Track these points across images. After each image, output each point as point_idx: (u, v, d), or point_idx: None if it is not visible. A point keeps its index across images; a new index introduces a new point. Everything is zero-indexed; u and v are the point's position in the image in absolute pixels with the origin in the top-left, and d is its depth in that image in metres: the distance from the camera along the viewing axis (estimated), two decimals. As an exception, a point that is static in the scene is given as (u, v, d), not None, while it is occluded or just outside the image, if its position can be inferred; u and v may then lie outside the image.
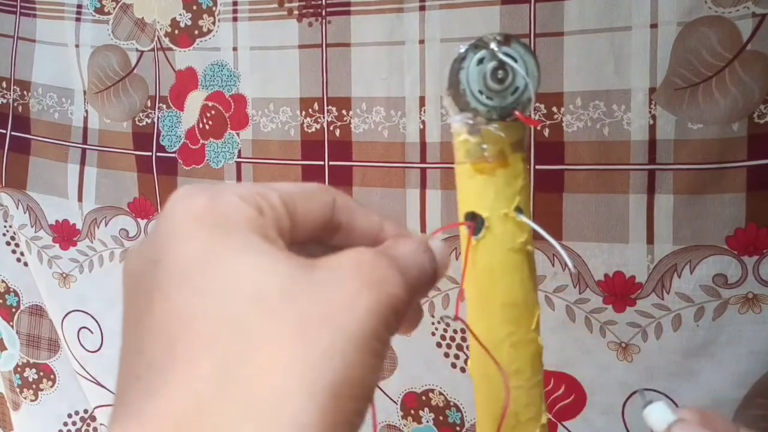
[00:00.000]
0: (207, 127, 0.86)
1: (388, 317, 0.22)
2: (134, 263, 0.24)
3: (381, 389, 0.83)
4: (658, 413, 0.37)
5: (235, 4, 0.82)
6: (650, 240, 0.68)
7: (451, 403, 0.80)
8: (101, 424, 1.02)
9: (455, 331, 0.77)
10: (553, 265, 0.71)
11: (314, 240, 0.27)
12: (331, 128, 0.79)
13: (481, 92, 0.30)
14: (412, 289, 0.24)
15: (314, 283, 0.22)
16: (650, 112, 0.67)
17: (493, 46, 0.30)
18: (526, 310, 0.33)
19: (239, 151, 0.84)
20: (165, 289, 0.22)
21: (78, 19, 0.91)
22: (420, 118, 0.75)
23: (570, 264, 0.36)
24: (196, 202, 0.23)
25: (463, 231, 0.32)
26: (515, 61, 0.30)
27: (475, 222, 0.32)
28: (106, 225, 0.94)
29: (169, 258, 0.22)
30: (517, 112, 0.30)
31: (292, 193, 0.26)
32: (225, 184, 0.26)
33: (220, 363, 0.20)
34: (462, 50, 0.31)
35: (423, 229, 0.76)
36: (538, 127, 0.70)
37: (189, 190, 0.25)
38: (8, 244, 1.04)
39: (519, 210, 0.31)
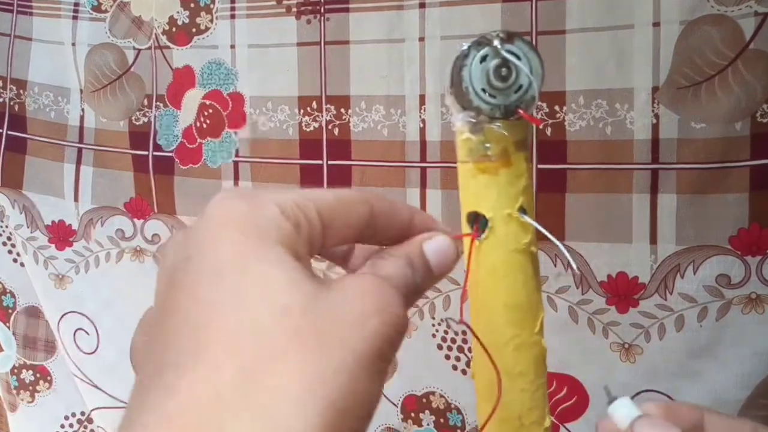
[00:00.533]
0: (204, 126, 0.85)
1: (393, 337, 0.23)
2: (169, 258, 0.25)
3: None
4: (622, 410, 0.36)
5: (233, 1, 0.81)
6: (653, 240, 0.67)
7: (452, 406, 0.79)
8: (98, 427, 1.01)
9: (456, 333, 0.77)
10: (555, 266, 0.71)
11: (351, 242, 0.30)
12: (330, 127, 0.79)
13: (484, 90, 0.30)
14: (409, 305, 0.26)
15: (330, 304, 0.23)
16: (653, 111, 0.66)
17: (496, 43, 0.29)
18: (529, 312, 0.32)
19: (237, 150, 0.84)
20: (194, 287, 0.23)
21: (75, 17, 0.90)
22: (420, 116, 0.74)
23: (574, 265, 0.36)
24: (238, 207, 0.25)
25: (466, 232, 0.32)
26: (519, 58, 0.30)
27: (478, 222, 0.31)
28: (102, 225, 0.93)
29: (202, 257, 0.24)
30: (521, 111, 0.30)
31: (330, 206, 0.27)
32: (267, 192, 0.26)
33: (242, 370, 0.21)
34: (465, 48, 0.30)
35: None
36: (540, 126, 0.70)
37: (232, 193, 0.25)
38: (4, 244, 1.03)
39: (523, 210, 0.31)
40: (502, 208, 0.31)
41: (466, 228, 0.32)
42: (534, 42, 0.69)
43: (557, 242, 0.32)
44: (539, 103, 0.69)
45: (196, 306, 0.23)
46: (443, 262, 0.29)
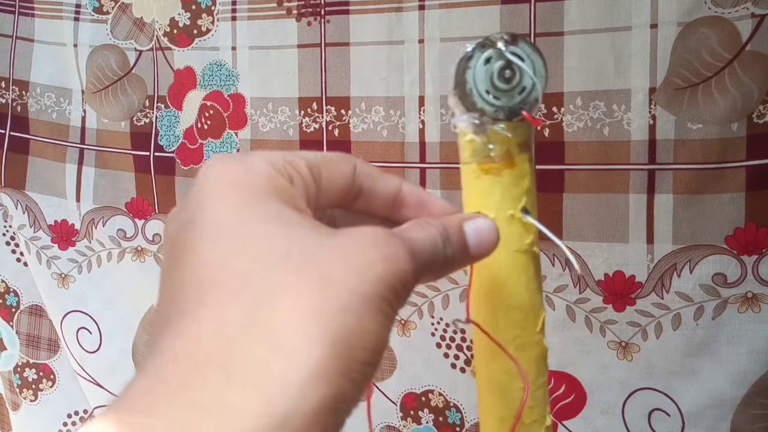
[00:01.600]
0: (205, 126, 0.86)
1: (396, 287, 0.24)
2: (172, 225, 0.26)
3: (380, 390, 0.83)
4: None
5: (234, 3, 0.82)
6: (650, 239, 0.68)
7: (451, 404, 0.80)
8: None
9: (455, 332, 0.77)
10: (553, 265, 0.71)
11: (337, 205, 0.30)
12: (330, 128, 0.79)
13: (488, 92, 0.30)
14: (420, 267, 0.26)
15: (336, 249, 0.24)
16: (650, 112, 0.67)
17: (500, 45, 0.30)
18: (531, 312, 0.32)
19: (238, 151, 0.84)
20: (196, 246, 0.24)
21: (77, 19, 0.90)
22: (419, 117, 0.75)
23: (577, 267, 0.37)
24: (231, 168, 0.25)
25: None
26: (522, 60, 0.30)
27: None
28: (103, 225, 0.94)
29: (202, 219, 0.24)
30: (524, 113, 0.30)
31: (317, 162, 0.28)
32: (257, 152, 0.27)
33: (247, 308, 0.22)
34: (469, 49, 0.31)
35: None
36: (539, 128, 0.70)
37: (224, 157, 0.26)
38: (8, 244, 1.03)
39: (525, 211, 0.31)
40: (505, 208, 0.31)
41: None
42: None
43: (561, 243, 0.32)
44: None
45: (200, 264, 0.23)
46: (483, 243, 0.29)
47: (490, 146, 0.31)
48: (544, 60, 0.30)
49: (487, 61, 0.30)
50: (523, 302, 0.32)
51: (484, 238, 0.29)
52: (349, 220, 0.32)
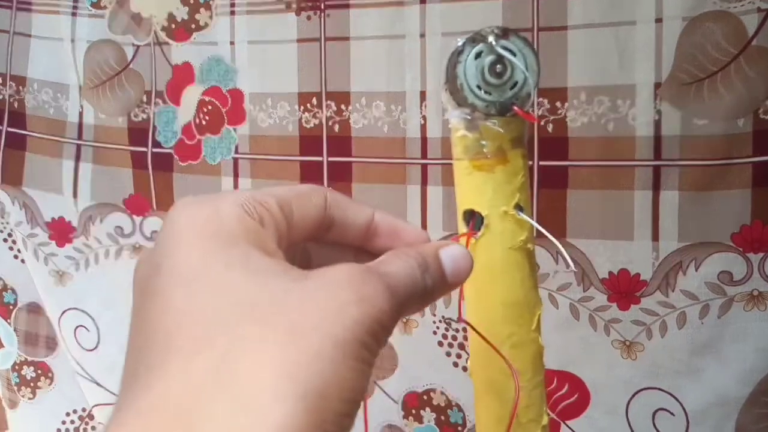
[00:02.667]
0: (204, 122, 0.85)
1: (375, 328, 0.23)
2: (140, 270, 0.25)
3: (381, 389, 0.83)
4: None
5: (232, -3, 0.81)
6: (655, 237, 0.67)
7: (453, 403, 0.79)
8: (99, 423, 1.01)
9: (456, 331, 0.77)
10: (556, 263, 0.70)
11: (310, 238, 0.29)
12: (330, 123, 0.78)
13: (479, 87, 0.29)
14: (400, 304, 0.25)
15: (306, 293, 0.23)
16: (655, 107, 0.66)
17: (491, 39, 0.29)
18: (527, 309, 0.32)
19: (236, 147, 0.83)
20: (164, 293, 0.23)
21: (74, 14, 0.90)
22: (421, 113, 0.74)
23: (571, 265, 0.36)
24: (200, 212, 0.25)
25: (462, 230, 0.32)
26: (514, 54, 0.30)
27: (474, 220, 0.31)
28: (101, 222, 0.93)
29: (170, 264, 0.24)
30: (515, 107, 0.30)
31: (288, 197, 0.28)
32: (227, 194, 0.26)
33: (212, 362, 0.21)
34: (459, 44, 0.30)
35: (424, 226, 0.75)
36: (542, 123, 0.69)
37: (192, 200, 0.26)
38: (5, 241, 1.03)
39: (519, 207, 0.31)
40: (498, 205, 0.31)
41: (462, 226, 0.32)
42: (535, 38, 0.68)
43: (554, 240, 0.33)
44: (540, 99, 0.69)
45: (167, 312, 0.23)
46: (459, 271, 0.29)
47: (483, 142, 0.30)
48: (536, 54, 0.30)
49: (478, 55, 0.29)
50: (518, 299, 0.32)
51: (460, 266, 0.28)
52: (324, 252, 0.31)
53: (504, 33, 0.29)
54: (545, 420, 0.34)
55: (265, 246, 0.25)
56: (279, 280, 0.23)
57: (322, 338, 0.22)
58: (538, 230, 0.32)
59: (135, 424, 0.20)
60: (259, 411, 0.20)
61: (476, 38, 0.29)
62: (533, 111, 0.70)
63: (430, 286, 0.27)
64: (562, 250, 0.32)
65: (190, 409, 0.20)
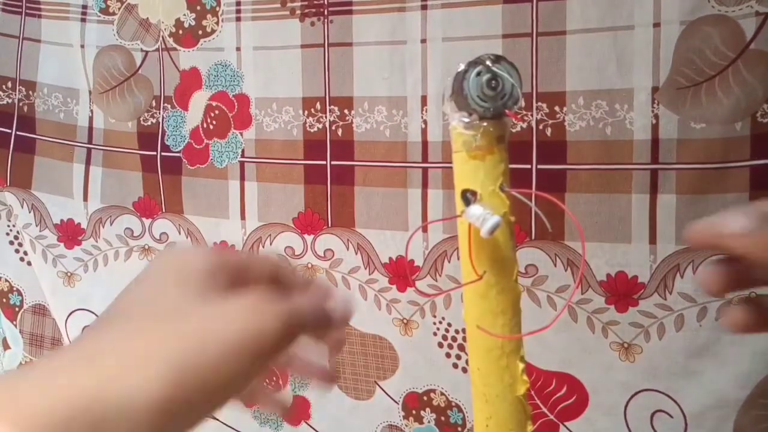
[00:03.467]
0: (211, 126, 0.86)
1: (257, 338, 0.31)
2: (119, 298, 0.34)
3: (382, 389, 0.83)
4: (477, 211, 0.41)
5: (238, 4, 0.82)
6: (653, 240, 0.67)
7: (453, 404, 0.80)
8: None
9: (456, 331, 0.77)
10: (555, 266, 0.71)
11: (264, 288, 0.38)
12: (333, 128, 0.79)
13: (479, 97, 0.39)
14: (293, 323, 0.33)
15: (206, 309, 0.31)
16: (653, 111, 0.66)
17: (488, 62, 0.39)
18: (509, 264, 0.41)
19: (242, 151, 0.85)
20: (122, 294, 0.34)
21: (83, 20, 0.91)
22: (422, 117, 0.75)
23: (549, 227, 0.41)
24: (174, 257, 0.35)
25: (459, 206, 0.40)
26: (505, 73, 0.39)
27: (470, 196, 0.40)
28: (111, 224, 0.95)
29: (137, 278, 0.34)
30: (507, 111, 0.40)
31: (246, 258, 0.38)
32: (199, 248, 0.41)
33: (118, 335, 0.30)
34: (463, 66, 0.39)
35: (424, 229, 0.76)
36: (540, 127, 0.70)
37: (174, 250, 0.36)
38: (11, 243, 1.04)
39: (502, 187, 0.40)
40: (487, 185, 0.40)
41: (459, 203, 0.41)
42: (535, 43, 0.69)
43: (531, 204, 0.44)
44: (539, 104, 0.70)
45: (114, 308, 0.32)
46: (348, 312, 0.39)
47: (477, 138, 0.40)
48: (519, 74, 0.39)
49: (478, 74, 0.39)
50: (502, 256, 0.41)
51: (345, 311, 0.38)
52: None
53: (497, 58, 0.39)
54: (523, 351, 0.42)
55: (209, 283, 0.33)
56: (196, 301, 0.32)
57: (199, 337, 0.29)
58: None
59: (54, 358, 0.29)
60: (129, 368, 0.27)
61: (477, 62, 0.39)
62: (530, 115, 0.70)
63: (323, 320, 0.36)
64: (539, 211, 0.41)
65: (93, 356, 0.28)
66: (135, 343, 0.29)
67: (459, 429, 0.80)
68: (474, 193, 0.41)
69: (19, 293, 1.05)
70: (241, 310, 0.32)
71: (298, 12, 0.79)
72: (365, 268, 0.80)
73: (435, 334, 0.78)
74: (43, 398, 0.26)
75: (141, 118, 0.91)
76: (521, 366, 0.43)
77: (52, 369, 0.28)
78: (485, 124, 0.40)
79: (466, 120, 0.40)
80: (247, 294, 0.33)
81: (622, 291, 0.69)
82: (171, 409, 0.27)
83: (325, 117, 0.80)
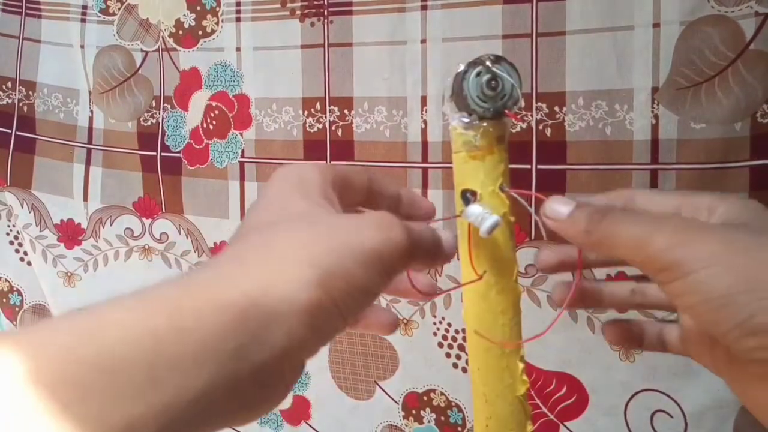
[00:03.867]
0: (211, 127, 0.86)
1: (389, 249, 0.32)
2: (291, 180, 0.36)
3: (382, 389, 0.83)
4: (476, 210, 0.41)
5: (238, 4, 0.82)
6: (652, 240, 0.67)
7: (453, 404, 0.80)
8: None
9: (456, 331, 0.77)
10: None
11: (358, 203, 0.40)
12: (333, 128, 0.79)
13: (479, 97, 0.40)
14: (413, 245, 0.33)
15: (342, 219, 0.33)
16: (653, 111, 0.66)
17: (488, 63, 0.39)
18: (508, 264, 0.41)
19: (242, 151, 0.85)
20: (255, 210, 0.35)
21: (83, 20, 0.91)
22: (422, 117, 0.75)
23: (544, 236, 0.41)
24: (291, 170, 0.37)
25: (458, 206, 0.41)
26: (504, 74, 0.40)
27: (470, 196, 0.41)
28: (111, 224, 0.95)
29: (262, 197, 0.36)
30: (506, 111, 0.40)
31: (347, 171, 0.39)
32: (313, 163, 0.40)
33: (264, 239, 0.31)
34: (463, 66, 0.40)
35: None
36: (540, 127, 0.70)
37: (290, 165, 0.38)
38: (11, 243, 1.04)
39: (502, 187, 0.41)
40: (487, 185, 0.40)
41: (459, 203, 0.41)
42: (534, 44, 0.69)
43: (528, 206, 0.41)
44: (539, 104, 0.70)
45: (252, 219, 0.34)
46: (451, 248, 0.38)
47: (477, 138, 0.40)
48: (519, 74, 0.40)
49: (478, 74, 0.39)
50: (502, 256, 0.41)
51: (451, 244, 0.38)
52: None
53: (497, 58, 0.40)
54: (523, 351, 0.43)
55: (327, 195, 0.35)
56: (325, 211, 0.34)
57: (339, 245, 0.31)
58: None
59: (215, 258, 0.31)
60: (283, 270, 0.29)
61: (477, 62, 0.40)
62: (530, 115, 0.70)
63: (436, 245, 0.37)
64: (537, 218, 0.40)
65: (244, 258, 0.30)
66: (282, 249, 0.30)
67: (459, 429, 0.80)
68: (474, 193, 0.41)
69: (19, 293, 1.05)
70: (373, 222, 0.32)
71: (298, 12, 0.79)
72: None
73: (435, 334, 0.78)
74: (210, 301, 0.27)
75: (141, 119, 0.91)
76: (521, 366, 0.42)
77: (215, 275, 0.29)
78: (485, 124, 0.40)
79: (466, 120, 0.40)
80: (369, 212, 0.36)
81: (622, 291, 0.69)
82: (320, 313, 0.29)
83: (325, 117, 0.80)
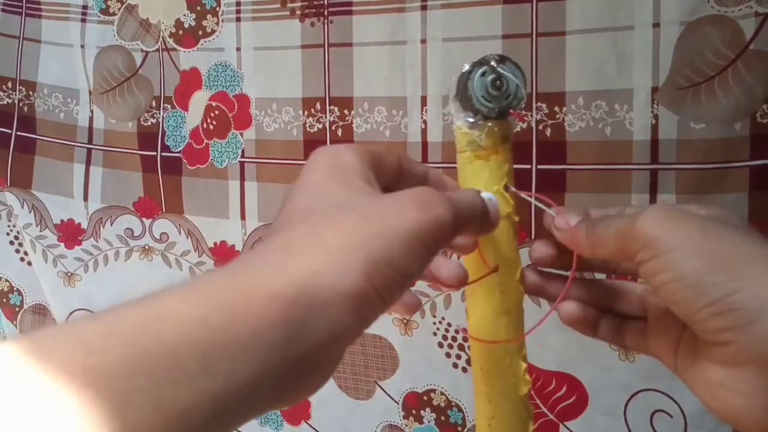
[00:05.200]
0: (211, 127, 0.86)
1: (433, 229, 0.32)
2: (290, 187, 0.37)
3: (382, 389, 0.83)
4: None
5: (238, 4, 0.82)
6: (652, 240, 0.67)
7: (453, 403, 0.80)
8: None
9: (456, 331, 0.77)
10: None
11: (390, 182, 0.40)
12: (333, 128, 0.79)
13: (483, 97, 0.40)
14: (459, 217, 0.34)
15: (383, 200, 0.33)
16: (652, 111, 0.66)
17: (493, 63, 0.40)
18: (512, 264, 0.42)
19: (243, 151, 0.85)
20: (294, 196, 0.35)
21: (83, 20, 0.91)
22: (422, 117, 0.75)
23: (552, 214, 0.41)
24: (328, 153, 0.36)
25: None
26: (509, 73, 0.40)
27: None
28: (111, 224, 0.95)
29: (300, 183, 0.35)
30: (511, 111, 0.40)
31: (381, 151, 0.39)
32: (349, 145, 0.38)
33: (309, 228, 0.32)
34: (468, 66, 0.40)
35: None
36: (540, 127, 0.70)
37: (327, 147, 0.37)
38: (12, 243, 1.04)
39: (506, 187, 0.41)
40: (492, 185, 0.41)
41: None
42: (534, 44, 0.69)
43: (532, 200, 0.43)
44: (538, 104, 0.70)
45: (293, 206, 0.34)
46: (496, 214, 0.39)
47: (482, 138, 0.41)
48: (523, 74, 0.40)
49: (483, 74, 0.40)
50: (506, 256, 0.42)
51: (496, 209, 0.39)
52: None
53: (502, 58, 0.40)
54: (525, 351, 0.43)
55: (366, 178, 0.35)
56: (366, 193, 0.34)
57: (382, 226, 0.31)
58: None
59: (260, 247, 0.31)
60: (329, 255, 0.30)
61: (482, 62, 0.40)
62: (530, 115, 0.71)
63: (483, 213, 0.38)
64: (540, 204, 0.41)
65: (291, 247, 0.31)
66: (328, 238, 0.31)
67: (459, 429, 0.80)
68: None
69: (20, 293, 1.05)
70: (415, 202, 0.33)
71: (298, 12, 0.79)
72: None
73: (435, 334, 0.79)
74: (260, 291, 0.28)
75: (141, 119, 0.91)
76: (524, 366, 0.43)
77: (265, 264, 0.30)
78: (490, 124, 0.40)
79: (471, 120, 0.41)
80: (408, 189, 0.34)
81: (621, 291, 0.69)
82: (365, 301, 0.30)
83: (325, 117, 0.80)
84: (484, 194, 0.39)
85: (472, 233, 0.39)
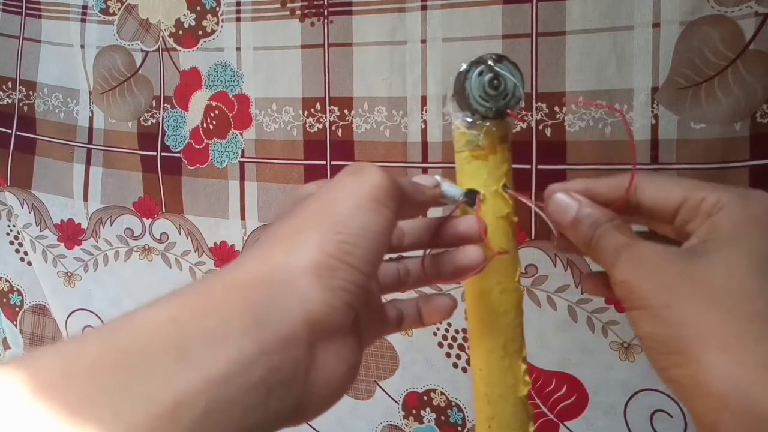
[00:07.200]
0: (211, 127, 0.86)
1: (365, 187, 0.34)
2: (301, 191, 0.38)
3: (382, 389, 0.83)
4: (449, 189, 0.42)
5: (238, 4, 0.82)
6: (652, 239, 0.67)
7: (453, 403, 0.80)
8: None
9: (456, 331, 0.78)
10: (555, 266, 0.71)
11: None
12: (333, 128, 0.79)
13: (481, 97, 0.40)
14: (392, 180, 0.36)
15: (328, 187, 0.36)
16: (652, 111, 0.66)
17: (490, 62, 0.40)
18: (511, 264, 0.42)
19: (242, 151, 0.85)
20: (302, 202, 0.36)
21: (83, 20, 0.91)
22: (422, 117, 0.75)
23: (554, 231, 0.40)
24: (352, 173, 0.36)
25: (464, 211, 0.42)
26: (507, 73, 0.40)
27: (473, 196, 0.41)
28: (111, 224, 0.95)
29: (319, 194, 0.36)
30: (509, 111, 0.40)
31: (406, 181, 0.40)
32: (375, 168, 0.37)
33: (284, 230, 0.34)
34: (465, 66, 0.40)
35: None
36: (540, 127, 0.70)
37: (354, 166, 0.37)
38: (12, 243, 1.04)
39: (505, 187, 0.41)
40: (490, 185, 0.41)
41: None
42: (534, 44, 0.69)
43: (533, 205, 0.42)
44: (538, 104, 0.70)
45: (297, 209, 0.35)
46: (432, 187, 0.41)
47: (480, 138, 0.40)
48: (521, 73, 0.40)
49: (480, 74, 0.40)
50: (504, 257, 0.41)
51: (452, 194, 0.41)
52: None
53: (499, 58, 0.40)
54: (525, 352, 0.43)
55: (386, 201, 0.35)
56: (364, 206, 0.35)
57: (328, 201, 0.34)
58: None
59: (247, 251, 0.34)
60: (286, 244, 0.33)
61: (479, 61, 0.40)
62: (530, 115, 0.71)
63: (414, 183, 0.40)
64: (540, 212, 0.41)
65: (260, 244, 0.33)
66: (290, 227, 0.34)
67: (459, 429, 0.80)
68: (476, 194, 0.41)
69: (20, 293, 1.05)
70: (347, 171, 0.36)
71: (298, 12, 0.79)
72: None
73: (435, 334, 0.79)
74: (222, 285, 0.31)
75: (141, 119, 0.91)
76: (524, 367, 0.43)
77: (234, 264, 0.32)
78: (488, 123, 0.40)
79: (469, 120, 0.40)
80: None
81: (621, 291, 0.69)
82: (324, 271, 0.31)
83: (325, 117, 0.80)
84: (443, 182, 0.41)
85: (415, 206, 0.40)
